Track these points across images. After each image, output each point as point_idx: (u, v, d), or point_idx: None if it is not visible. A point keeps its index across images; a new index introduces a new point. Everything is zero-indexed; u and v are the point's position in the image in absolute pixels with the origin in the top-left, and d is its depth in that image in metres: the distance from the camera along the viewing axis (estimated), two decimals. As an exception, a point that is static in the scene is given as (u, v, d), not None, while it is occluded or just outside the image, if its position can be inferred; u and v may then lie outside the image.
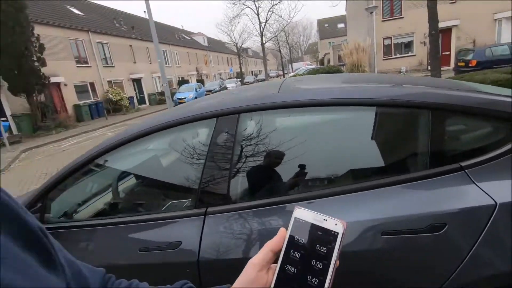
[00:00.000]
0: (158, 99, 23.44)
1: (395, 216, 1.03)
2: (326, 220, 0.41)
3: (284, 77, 40.14)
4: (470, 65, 11.43)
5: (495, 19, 15.95)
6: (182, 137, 1.44)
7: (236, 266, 1.25)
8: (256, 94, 1.36)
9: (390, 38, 18.28)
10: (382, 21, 17.95)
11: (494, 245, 0.95)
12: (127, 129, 1.45)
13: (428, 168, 1.08)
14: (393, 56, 18.66)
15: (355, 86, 1.33)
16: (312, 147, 1.31)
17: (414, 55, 17.94)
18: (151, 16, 9.83)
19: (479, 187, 1.00)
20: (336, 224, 0.40)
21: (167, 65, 27.51)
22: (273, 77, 45.25)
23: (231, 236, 1.15)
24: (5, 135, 10.18)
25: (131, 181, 1.76)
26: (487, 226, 0.95)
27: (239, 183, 1.27)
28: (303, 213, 0.42)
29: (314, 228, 0.41)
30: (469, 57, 11.87)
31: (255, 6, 28.47)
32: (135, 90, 22.69)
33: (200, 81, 29.97)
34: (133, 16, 27.82)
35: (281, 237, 0.43)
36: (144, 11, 11.09)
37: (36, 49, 12.32)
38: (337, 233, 0.39)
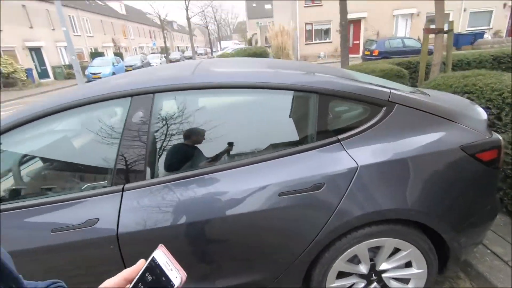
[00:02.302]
0: (66, 73, 20.24)
1: (288, 180, 1.28)
2: (171, 270, 0.44)
3: (212, 55, 39.02)
4: (373, 54, 13.24)
5: (394, 15, 18.59)
6: (95, 116, 1.41)
7: (154, 236, 1.34)
8: (171, 75, 1.41)
9: (311, 24, 19.51)
10: (305, 7, 18.95)
11: (355, 197, 1.29)
12: (29, 107, 1.35)
13: (316, 141, 1.36)
14: (314, 42, 20.03)
15: (256, 71, 1.51)
16: (222, 126, 1.45)
17: (331, 42, 19.61)
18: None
19: (348, 154, 1.32)
20: (176, 277, 0.43)
21: (75, 33, 23.82)
22: (201, 55, 43.50)
23: (148, 208, 1.24)
24: None
25: (37, 164, 1.63)
26: (351, 183, 1.28)
27: (156, 160, 1.35)
28: (159, 255, 0.46)
29: (161, 272, 0.44)
30: (373, 47, 13.72)
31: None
32: (34, 61, 19.11)
33: (118, 54, 26.86)
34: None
35: (137, 268, 0.46)
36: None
37: None
38: (174, 285, 0.43)
